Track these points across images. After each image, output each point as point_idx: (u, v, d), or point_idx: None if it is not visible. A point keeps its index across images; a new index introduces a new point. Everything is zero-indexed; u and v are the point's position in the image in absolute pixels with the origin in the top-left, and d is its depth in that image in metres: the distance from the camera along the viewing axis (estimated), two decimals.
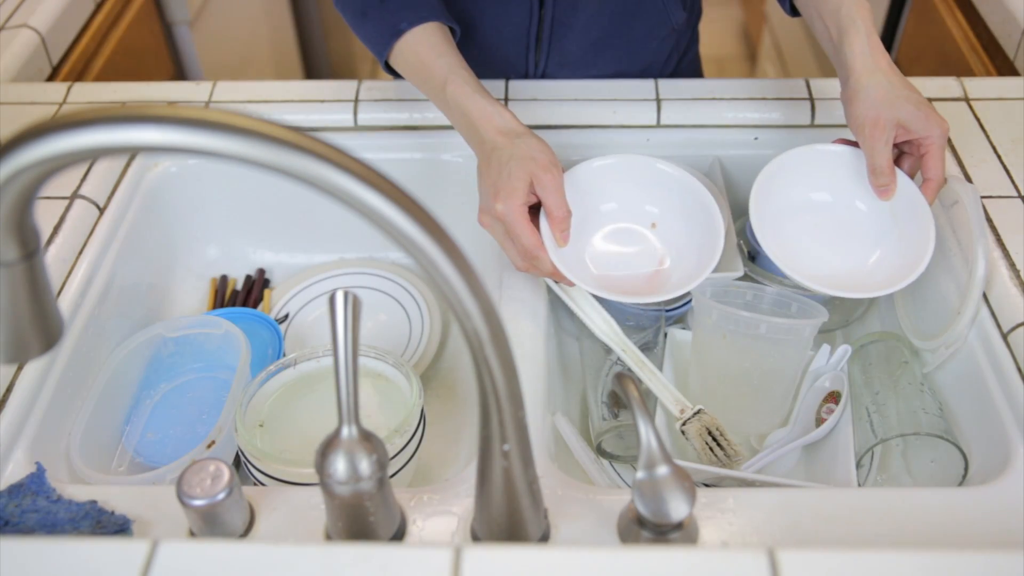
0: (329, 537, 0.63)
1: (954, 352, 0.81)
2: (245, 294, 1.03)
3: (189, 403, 0.89)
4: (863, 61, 0.81)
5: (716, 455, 0.78)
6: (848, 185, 0.87)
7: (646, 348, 0.87)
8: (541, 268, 0.80)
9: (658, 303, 0.90)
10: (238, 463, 0.80)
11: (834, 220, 0.88)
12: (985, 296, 0.80)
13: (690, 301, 0.91)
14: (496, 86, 1.04)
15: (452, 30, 0.91)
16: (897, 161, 0.85)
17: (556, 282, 0.87)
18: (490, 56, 1.06)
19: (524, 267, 0.82)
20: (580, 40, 1.05)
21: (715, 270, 0.90)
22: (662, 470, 0.57)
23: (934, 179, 0.82)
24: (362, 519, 0.59)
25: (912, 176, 0.85)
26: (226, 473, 0.59)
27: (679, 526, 0.59)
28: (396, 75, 0.93)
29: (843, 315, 0.97)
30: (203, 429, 0.86)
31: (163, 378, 0.91)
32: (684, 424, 0.79)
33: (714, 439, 0.79)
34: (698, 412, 0.80)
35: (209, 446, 0.77)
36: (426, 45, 0.87)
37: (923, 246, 0.81)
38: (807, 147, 0.88)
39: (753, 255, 0.96)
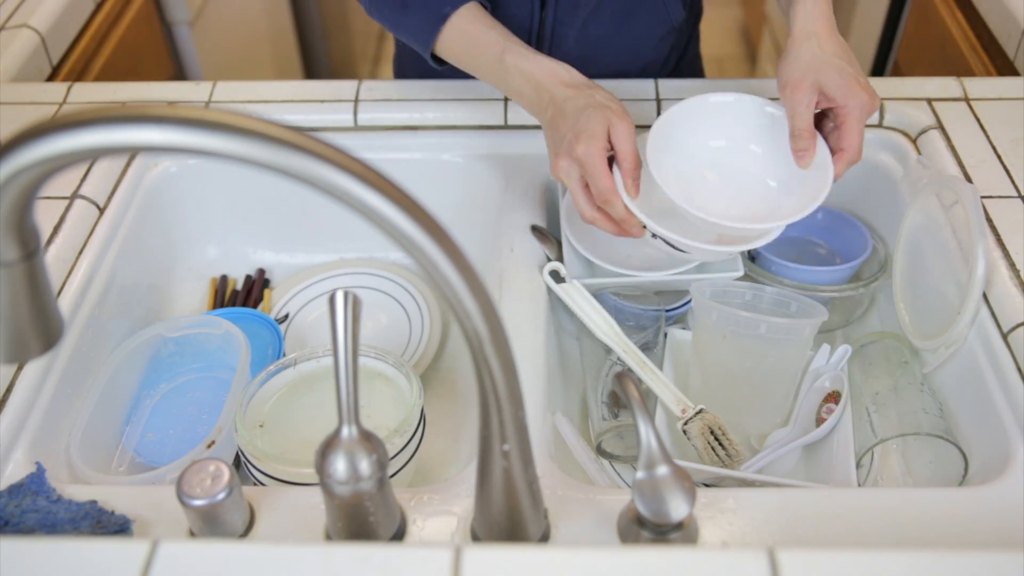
0: (329, 537, 0.63)
1: (954, 352, 0.81)
2: (245, 294, 1.04)
3: (189, 403, 0.89)
4: (801, 25, 0.82)
5: (718, 454, 0.78)
6: (742, 131, 0.88)
7: (646, 348, 0.87)
8: (614, 212, 0.80)
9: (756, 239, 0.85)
10: (238, 463, 0.80)
11: (732, 163, 0.88)
12: (985, 296, 0.80)
13: (690, 301, 0.91)
14: None
15: (484, 5, 0.93)
16: (819, 126, 0.84)
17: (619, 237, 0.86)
18: None
19: (593, 216, 0.82)
20: (581, 39, 1.05)
21: (715, 271, 0.90)
22: (662, 470, 0.57)
23: (846, 151, 0.81)
24: (362, 519, 0.59)
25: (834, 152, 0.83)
26: (226, 473, 0.59)
27: (679, 526, 0.59)
28: (440, 63, 0.94)
29: (843, 315, 0.97)
30: (203, 429, 0.86)
31: (163, 378, 0.91)
32: (686, 423, 0.79)
33: (716, 438, 0.79)
34: (700, 412, 0.80)
35: (209, 446, 0.77)
36: (475, 23, 0.89)
37: (822, 179, 0.81)
38: (698, 98, 0.88)
39: (754, 255, 0.96)
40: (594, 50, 1.06)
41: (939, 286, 0.85)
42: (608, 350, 0.86)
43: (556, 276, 0.88)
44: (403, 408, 0.78)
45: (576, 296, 0.87)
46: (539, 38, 1.04)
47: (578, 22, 1.03)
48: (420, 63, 1.12)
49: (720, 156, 0.88)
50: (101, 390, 0.82)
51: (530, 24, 1.03)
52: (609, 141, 0.80)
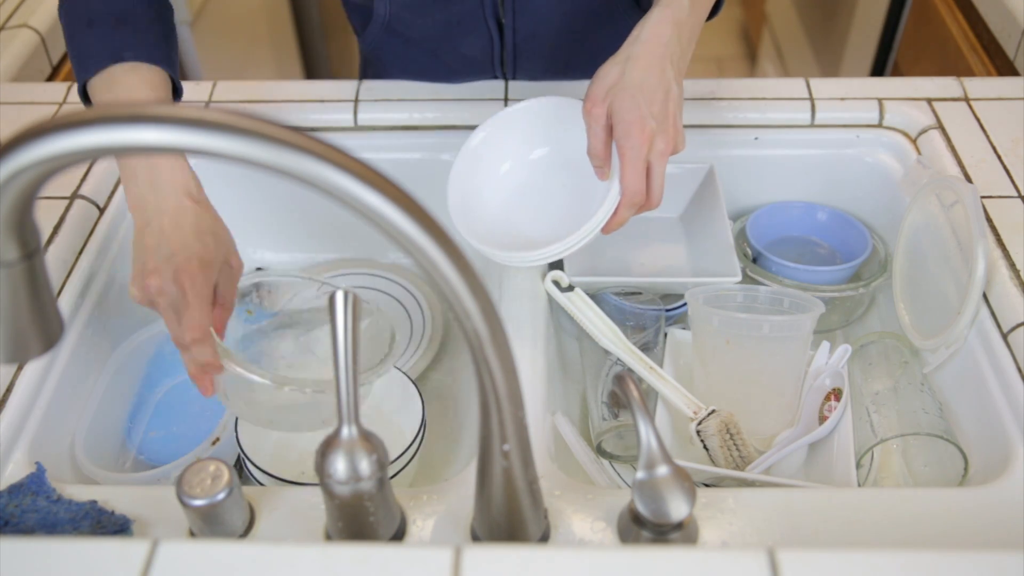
0: (329, 537, 0.63)
1: (954, 352, 0.81)
2: None
3: (192, 400, 0.89)
4: (626, 45, 0.78)
5: (731, 454, 0.78)
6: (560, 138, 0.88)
7: (646, 348, 0.87)
8: (201, 353, 0.70)
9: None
10: (238, 463, 0.80)
11: (549, 172, 0.89)
12: (985, 296, 0.80)
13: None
14: (496, 85, 1.04)
15: (176, 91, 0.85)
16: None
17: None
18: (461, 78, 1.06)
19: (185, 346, 0.71)
20: (545, 63, 1.05)
21: (712, 275, 0.90)
22: (662, 470, 0.57)
23: (623, 190, 0.76)
24: (362, 519, 0.59)
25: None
26: (226, 473, 0.59)
27: (679, 526, 0.59)
28: (87, 100, 0.82)
29: (843, 315, 0.97)
30: (206, 426, 0.86)
31: (167, 375, 0.91)
32: (700, 423, 0.79)
33: (731, 435, 0.79)
34: (713, 411, 0.79)
35: (214, 443, 0.77)
36: (144, 85, 0.79)
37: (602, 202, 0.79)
38: (504, 113, 0.89)
39: (755, 256, 0.96)
40: (564, 70, 1.06)
41: (939, 286, 0.85)
42: (608, 350, 0.86)
43: (558, 284, 0.88)
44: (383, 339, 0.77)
45: (580, 304, 0.87)
46: (502, 65, 1.04)
47: (539, 48, 1.03)
48: (389, 71, 1.11)
49: (541, 166, 0.90)
50: (105, 387, 0.82)
51: (491, 52, 1.02)
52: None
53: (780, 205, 1.02)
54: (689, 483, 0.57)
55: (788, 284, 0.91)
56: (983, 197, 0.88)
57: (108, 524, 0.64)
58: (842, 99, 1.01)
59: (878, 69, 1.90)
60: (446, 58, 1.04)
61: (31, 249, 0.45)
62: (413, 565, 0.50)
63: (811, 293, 0.89)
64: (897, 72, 1.77)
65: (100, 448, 0.81)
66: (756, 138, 1.01)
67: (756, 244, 0.96)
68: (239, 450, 0.75)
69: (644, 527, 0.59)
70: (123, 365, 0.86)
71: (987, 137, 0.96)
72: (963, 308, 0.79)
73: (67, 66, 1.31)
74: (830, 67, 2.14)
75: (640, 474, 0.57)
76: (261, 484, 0.73)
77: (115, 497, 0.67)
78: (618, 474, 0.84)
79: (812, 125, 1.01)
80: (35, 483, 0.68)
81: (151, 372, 0.90)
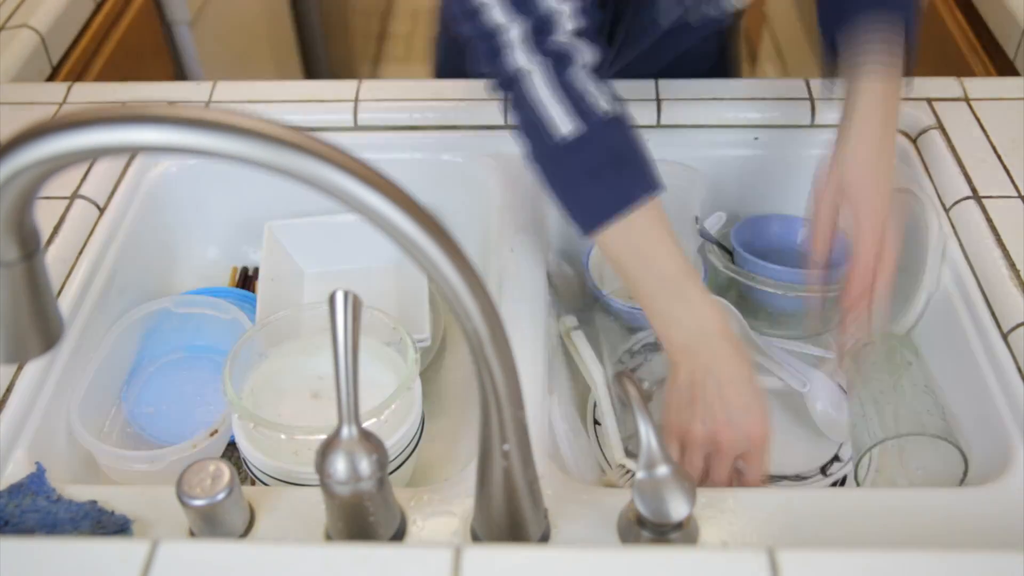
0: (329, 537, 0.63)
1: (928, 299, 0.81)
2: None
3: (187, 381, 0.89)
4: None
5: None
6: None
7: (649, 349, 0.87)
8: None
9: None
10: (238, 464, 0.80)
11: None
12: (985, 296, 0.80)
13: None
14: None
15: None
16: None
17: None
18: None
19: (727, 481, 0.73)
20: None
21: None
22: (662, 470, 0.57)
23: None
24: (362, 519, 0.59)
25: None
26: (226, 473, 0.59)
27: (679, 526, 0.59)
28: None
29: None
30: (201, 410, 0.86)
31: (163, 348, 0.91)
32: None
33: None
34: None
35: (211, 435, 0.77)
36: (658, 225, 0.75)
37: None
38: None
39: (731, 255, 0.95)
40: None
41: (913, 274, 0.86)
42: (631, 331, 0.85)
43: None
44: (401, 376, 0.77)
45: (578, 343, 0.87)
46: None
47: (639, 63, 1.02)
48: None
49: None
50: (104, 357, 0.83)
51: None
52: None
53: (759, 219, 1.00)
54: (689, 483, 0.57)
55: (768, 284, 0.89)
56: (983, 197, 0.88)
57: (108, 524, 0.64)
58: (843, 99, 1.01)
59: None
60: None
61: (31, 249, 0.45)
62: (413, 565, 0.50)
63: (807, 293, 0.88)
64: None
65: (93, 416, 0.81)
66: (756, 138, 1.01)
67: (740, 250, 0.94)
68: (237, 446, 0.75)
69: (644, 527, 0.59)
70: (123, 336, 0.87)
71: (987, 137, 0.96)
72: (929, 249, 0.80)
73: (67, 66, 1.31)
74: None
75: (640, 474, 0.57)
76: (265, 484, 0.73)
77: (115, 497, 0.67)
78: (601, 452, 0.83)
79: (812, 125, 1.01)
80: (35, 483, 0.68)
81: (148, 344, 0.90)
